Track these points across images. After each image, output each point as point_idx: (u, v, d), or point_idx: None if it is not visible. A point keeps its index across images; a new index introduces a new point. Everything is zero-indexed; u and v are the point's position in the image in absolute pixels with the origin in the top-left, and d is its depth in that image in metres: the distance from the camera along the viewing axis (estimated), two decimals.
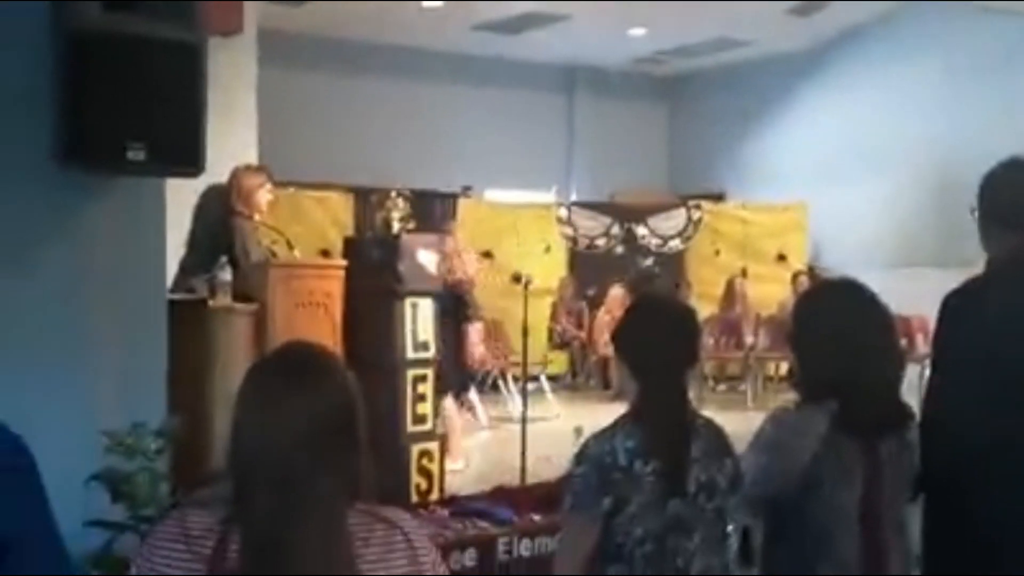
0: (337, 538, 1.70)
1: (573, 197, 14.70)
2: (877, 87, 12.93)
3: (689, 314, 2.63)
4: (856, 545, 2.44)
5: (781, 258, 13.01)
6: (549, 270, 12.74)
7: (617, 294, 11.72)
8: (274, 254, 5.73)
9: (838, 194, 12.89)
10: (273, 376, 1.77)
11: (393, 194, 5.70)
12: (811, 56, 13.78)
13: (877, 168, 12.63)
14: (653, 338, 2.49)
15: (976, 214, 2.80)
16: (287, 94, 12.25)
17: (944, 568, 2.67)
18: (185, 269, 5.59)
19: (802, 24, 12.79)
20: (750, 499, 2.54)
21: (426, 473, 5.64)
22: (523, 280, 6.40)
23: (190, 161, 4.32)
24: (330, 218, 10.90)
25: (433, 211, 12.60)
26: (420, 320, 5.59)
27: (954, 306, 2.72)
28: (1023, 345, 2.57)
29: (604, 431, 2.45)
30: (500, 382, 10.37)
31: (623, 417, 2.47)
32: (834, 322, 2.51)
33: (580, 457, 2.42)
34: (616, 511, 2.36)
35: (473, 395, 9.57)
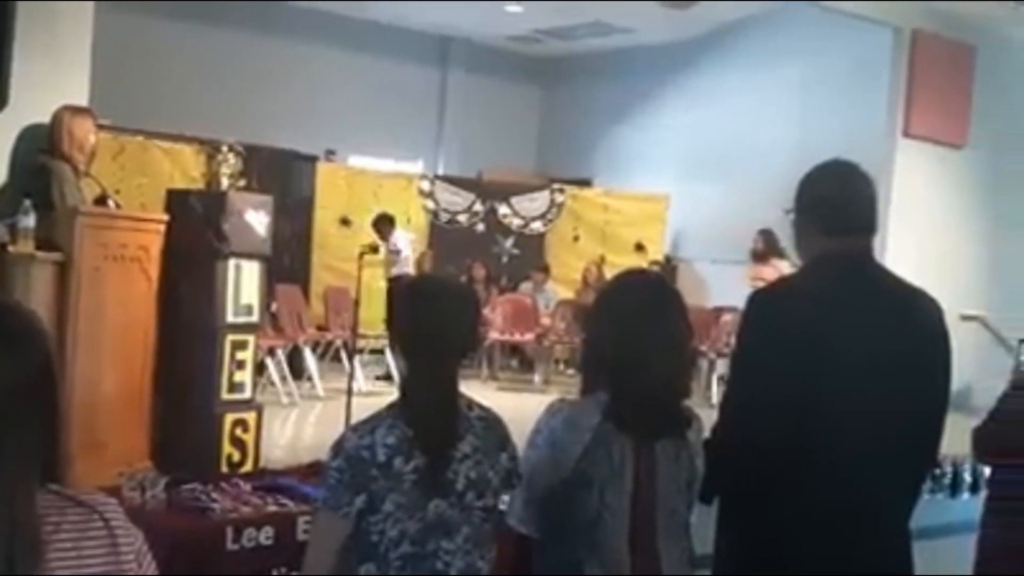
0: (20, 523, 1.51)
1: (440, 171, 14.51)
2: (743, 87, 13.11)
3: (465, 297, 2.44)
4: (625, 545, 2.33)
5: (639, 247, 13.11)
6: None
7: None
8: (118, 205, 5.41)
9: (699, 188, 13.02)
10: None
11: (224, 148, 5.38)
12: (685, 50, 13.88)
13: (737, 166, 12.82)
14: (423, 321, 2.29)
15: (791, 215, 2.72)
16: (142, 40, 11.76)
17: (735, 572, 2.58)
18: None
19: (679, 17, 12.83)
20: (527, 500, 2.41)
21: (239, 444, 5.39)
22: (360, 250, 6.18)
23: None
24: (180, 171, 10.45)
25: (291, 171, 12.28)
26: (244, 282, 5.33)
27: (760, 304, 2.64)
28: (824, 349, 2.50)
29: (365, 422, 2.26)
30: (343, 353, 10.13)
31: (389, 407, 2.28)
32: (619, 311, 2.40)
33: (337, 449, 2.23)
34: (371, 510, 2.19)
35: (311, 364, 9.33)
